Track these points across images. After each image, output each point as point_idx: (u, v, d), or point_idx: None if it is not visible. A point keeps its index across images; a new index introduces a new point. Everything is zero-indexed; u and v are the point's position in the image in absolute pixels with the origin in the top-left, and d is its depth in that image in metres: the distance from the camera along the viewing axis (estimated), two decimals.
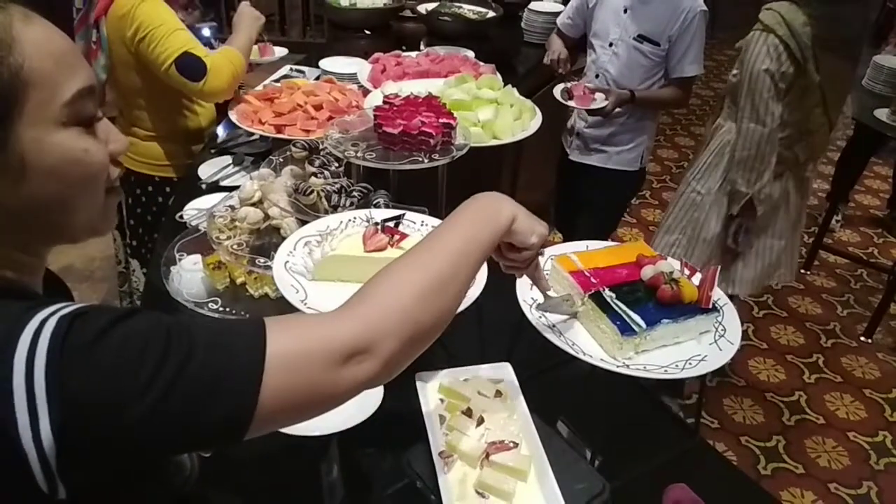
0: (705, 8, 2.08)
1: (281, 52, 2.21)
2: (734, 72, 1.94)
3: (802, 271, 3.27)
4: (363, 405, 1.00)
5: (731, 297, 1.93)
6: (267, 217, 1.38)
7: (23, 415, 0.46)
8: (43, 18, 0.58)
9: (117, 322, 0.51)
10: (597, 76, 2.27)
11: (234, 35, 1.88)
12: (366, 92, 1.97)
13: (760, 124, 1.83)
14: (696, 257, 2.10)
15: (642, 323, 1.01)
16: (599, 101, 2.13)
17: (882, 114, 2.75)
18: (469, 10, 2.99)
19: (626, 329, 1.01)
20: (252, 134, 1.87)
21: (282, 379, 0.55)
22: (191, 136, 2.00)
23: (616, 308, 1.04)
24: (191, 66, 1.68)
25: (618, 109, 2.17)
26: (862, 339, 2.85)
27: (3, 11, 0.55)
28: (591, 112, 2.19)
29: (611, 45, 2.20)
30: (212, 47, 1.93)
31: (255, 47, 2.05)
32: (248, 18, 1.90)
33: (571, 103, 2.18)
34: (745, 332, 2.78)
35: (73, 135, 0.57)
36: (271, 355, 0.55)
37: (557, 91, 2.19)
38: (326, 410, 0.60)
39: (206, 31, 2.10)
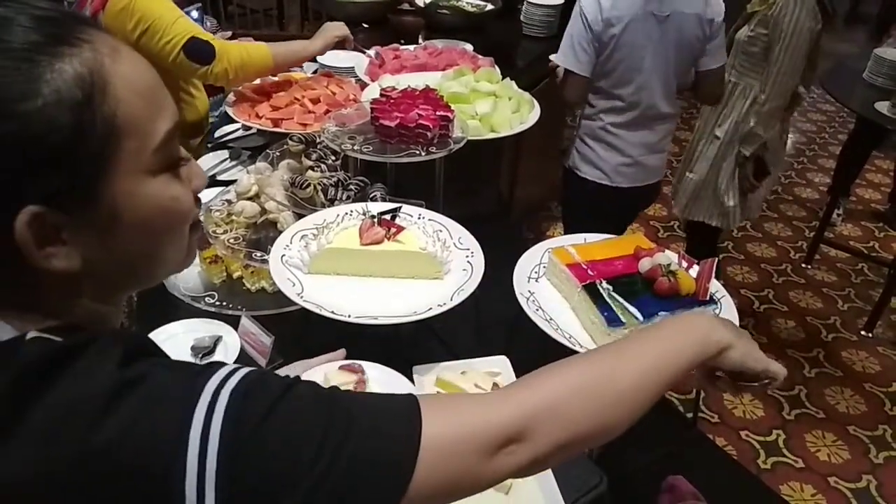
0: (583, 3, 1.86)
1: None
2: (749, 33, 2.15)
3: (803, 265, 3.26)
4: None
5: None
6: (264, 211, 1.37)
7: (191, 492, 0.45)
8: (127, 46, 0.52)
9: (281, 398, 0.50)
10: None
11: (296, 41, 1.89)
12: (363, 86, 1.96)
13: (793, 77, 2.09)
14: (726, 204, 2.37)
15: (639, 315, 1.01)
16: None
17: (883, 107, 2.73)
18: (467, 4, 2.98)
19: (612, 320, 1.01)
20: (249, 128, 1.87)
21: (433, 466, 0.52)
22: (189, 129, 1.99)
23: (610, 300, 1.04)
24: (199, 50, 1.67)
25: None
26: (862, 333, 2.84)
27: (91, 47, 0.48)
28: None
29: None
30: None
31: None
32: (324, 31, 1.91)
33: None
34: (745, 327, 2.75)
35: (163, 183, 0.53)
36: (426, 441, 0.52)
37: None
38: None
39: (195, 14, 2.08)
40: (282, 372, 0.97)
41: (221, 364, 0.52)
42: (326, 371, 0.96)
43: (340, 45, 1.95)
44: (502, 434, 0.55)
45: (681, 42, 1.93)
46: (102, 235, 0.51)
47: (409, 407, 0.54)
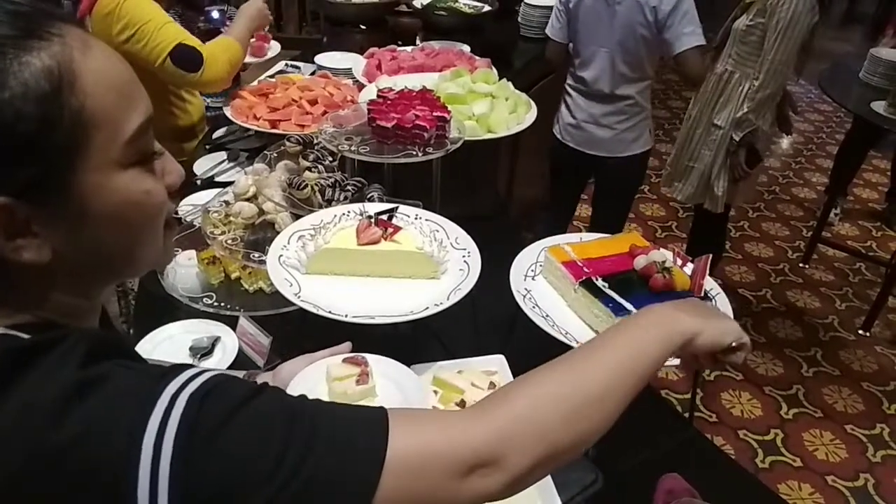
0: None
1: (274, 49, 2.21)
2: (748, 22, 2.18)
3: (801, 265, 3.27)
4: None
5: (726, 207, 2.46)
6: (261, 212, 1.38)
7: (143, 498, 0.44)
8: (99, 41, 0.52)
9: (242, 406, 0.49)
10: None
11: (233, 26, 1.86)
12: (361, 87, 1.97)
13: (787, 67, 2.13)
14: (715, 191, 2.46)
15: (634, 311, 1.01)
16: None
17: (879, 106, 2.74)
18: (465, 5, 2.98)
19: (619, 309, 1.02)
20: (247, 130, 1.87)
21: (399, 484, 0.50)
22: (181, 134, 1.99)
23: (608, 294, 1.05)
24: (186, 58, 1.66)
25: None
26: (860, 332, 2.85)
27: (61, 41, 0.48)
28: None
29: None
30: (221, 27, 1.92)
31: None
32: (253, 11, 1.86)
33: None
34: (743, 326, 2.75)
35: (134, 176, 0.52)
36: (391, 456, 0.50)
37: None
38: None
39: (216, 14, 2.08)
40: (286, 365, 0.97)
41: (187, 367, 0.51)
42: (329, 363, 0.96)
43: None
44: (473, 456, 0.53)
45: (626, 26, 2.07)
46: (73, 228, 0.50)
47: (376, 421, 0.52)
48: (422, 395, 0.95)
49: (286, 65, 2.34)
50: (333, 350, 0.99)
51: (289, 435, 0.49)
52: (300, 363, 0.96)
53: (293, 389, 0.88)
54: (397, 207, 1.26)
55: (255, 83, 2.00)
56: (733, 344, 0.72)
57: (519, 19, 2.98)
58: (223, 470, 0.46)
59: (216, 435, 0.47)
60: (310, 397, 0.55)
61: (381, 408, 0.54)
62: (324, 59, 2.31)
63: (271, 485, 0.47)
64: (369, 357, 0.98)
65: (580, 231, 2.64)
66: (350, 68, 2.15)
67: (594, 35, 2.14)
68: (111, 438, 0.45)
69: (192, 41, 1.68)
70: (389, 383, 0.98)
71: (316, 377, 0.94)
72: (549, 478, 0.89)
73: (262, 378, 0.94)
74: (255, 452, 0.47)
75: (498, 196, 2.58)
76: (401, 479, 0.51)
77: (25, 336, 0.49)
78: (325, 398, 0.88)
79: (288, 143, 1.55)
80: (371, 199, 1.35)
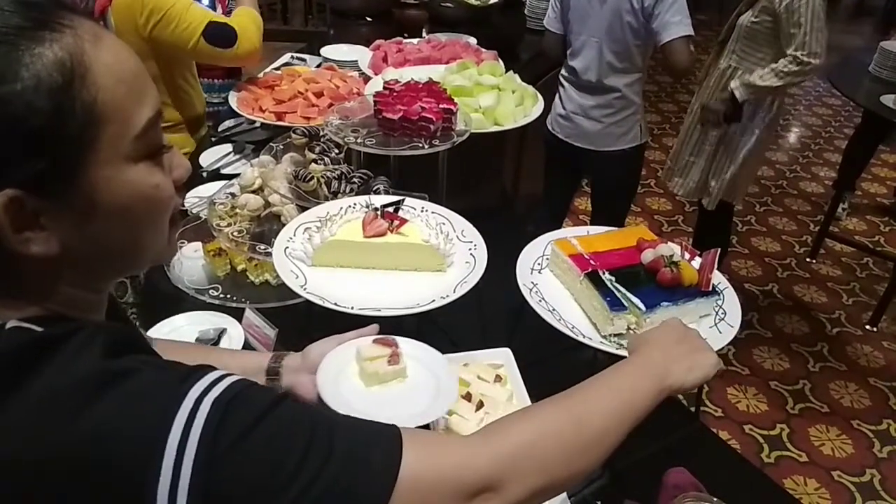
0: None
1: None
2: (753, 18, 2.15)
3: (808, 260, 3.25)
4: None
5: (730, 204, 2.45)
6: (267, 204, 1.38)
7: (163, 498, 0.45)
8: (110, 33, 0.52)
9: (266, 414, 0.50)
10: None
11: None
12: (367, 79, 1.96)
13: (815, 57, 2.07)
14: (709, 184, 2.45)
15: (642, 305, 1.01)
16: None
17: (889, 100, 2.72)
18: None
19: (615, 304, 1.01)
20: (253, 122, 1.87)
21: (407, 502, 0.52)
22: (194, 123, 2.00)
23: (613, 288, 1.04)
24: (220, 34, 1.66)
25: None
26: (867, 327, 2.84)
27: (72, 33, 0.48)
28: None
29: None
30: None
31: None
32: None
33: None
34: (749, 321, 2.77)
35: (143, 170, 0.52)
36: (403, 475, 0.52)
37: None
38: None
39: (205, 1, 2.09)
40: (316, 346, 0.95)
41: (209, 369, 0.51)
42: (360, 344, 0.95)
43: None
44: (477, 482, 0.56)
45: (613, 13, 2.06)
46: (81, 221, 0.50)
47: (391, 439, 0.54)
48: (453, 380, 0.93)
49: (292, 57, 2.33)
50: (359, 332, 0.99)
51: (309, 445, 0.50)
52: (330, 343, 0.95)
53: (324, 369, 0.87)
54: (403, 200, 1.25)
55: (261, 75, 1.99)
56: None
57: (526, 11, 2.97)
58: (245, 476, 0.47)
59: (241, 442, 0.48)
60: (340, 377, 0.56)
61: (395, 426, 0.56)
62: (330, 51, 2.30)
63: (288, 494, 0.48)
64: (398, 339, 0.97)
65: (582, 225, 2.62)
66: (356, 60, 2.15)
67: (584, 24, 2.13)
68: (134, 436, 0.46)
69: (221, 18, 1.68)
70: (420, 366, 0.96)
71: (346, 357, 0.93)
72: None
73: (290, 359, 0.93)
74: (276, 461, 0.48)
75: (504, 189, 2.57)
76: (410, 498, 0.52)
77: (38, 328, 0.49)
78: (356, 378, 0.88)
79: (294, 136, 1.55)
80: (377, 192, 1.34)
